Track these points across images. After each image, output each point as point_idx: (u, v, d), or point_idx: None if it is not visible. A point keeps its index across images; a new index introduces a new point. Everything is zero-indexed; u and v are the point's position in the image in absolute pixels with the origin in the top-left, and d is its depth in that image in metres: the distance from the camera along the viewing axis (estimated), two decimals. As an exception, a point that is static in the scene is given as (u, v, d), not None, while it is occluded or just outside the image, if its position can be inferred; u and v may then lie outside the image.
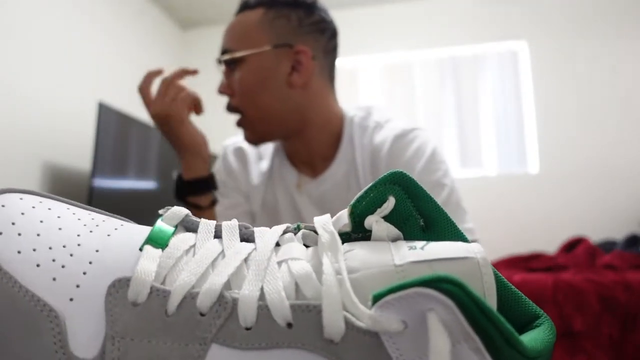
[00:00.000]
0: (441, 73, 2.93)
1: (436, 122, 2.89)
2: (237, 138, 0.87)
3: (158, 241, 0.21)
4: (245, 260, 0.21)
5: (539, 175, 2.70)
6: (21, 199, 0.22)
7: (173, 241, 0.22)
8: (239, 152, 0.84)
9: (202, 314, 0.19)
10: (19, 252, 0.20)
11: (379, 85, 2.98)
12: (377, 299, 0.17)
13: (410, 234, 0.23)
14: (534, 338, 0.19)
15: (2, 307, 0.19)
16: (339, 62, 0.79)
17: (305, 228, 0.24)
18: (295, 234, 0.23)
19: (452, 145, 2.86)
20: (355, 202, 0.23)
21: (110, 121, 1.89)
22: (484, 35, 2.85)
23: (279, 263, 0.21)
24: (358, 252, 0.21)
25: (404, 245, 0.21)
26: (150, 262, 0.20)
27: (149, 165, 2.16)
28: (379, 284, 0.19)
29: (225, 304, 0.19)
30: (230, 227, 0.23)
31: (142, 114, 2.47)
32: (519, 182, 2.72)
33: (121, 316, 0.19)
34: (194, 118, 0.75)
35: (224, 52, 0.71)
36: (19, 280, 0.19)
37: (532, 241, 2.55)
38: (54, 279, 0.19)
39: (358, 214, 0.23)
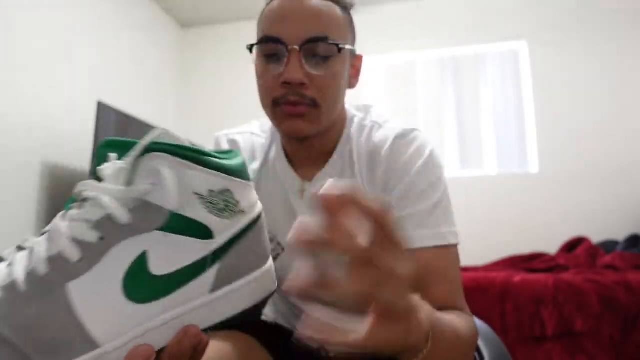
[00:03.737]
0: (442, 73, 2.93)
1: (437, 122, 2.89)
2: (230, 131, 0.85)
3: None
4: (48, 236, 0.32)
5: (539, 175, 2.70)
6: None
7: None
8: (233, 144, 0.82)
9: (46, 275, 0.29)
10: None
11: (381, 85, 2.98)
12: (129, 176, 0.31)
13: None
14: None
15: None
16: None
17: None
18: None
19: (452, 145, 2.86)
20: (92, 169, 0.36)
21: (109, 120, 1.88)
22: (485, 35, 2.84)
23: (64, 217, 0.33)
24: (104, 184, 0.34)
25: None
26: None
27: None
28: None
29: (55, 260, 0.30)
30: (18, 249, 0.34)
31: (141, 113, 2.47)
32: (519, 182, 2.71)
33: None
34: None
35: (320, 39, 0.65)
36: None
37: (532, 241, 2.55)
38: None
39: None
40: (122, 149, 0.34)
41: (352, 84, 0.76)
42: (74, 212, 0.32)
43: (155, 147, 0.31)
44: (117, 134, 1.94)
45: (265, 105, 0.71)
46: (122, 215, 0.30)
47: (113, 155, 0.34)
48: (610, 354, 1.66)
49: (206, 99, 3.13)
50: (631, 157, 2.58)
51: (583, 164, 2.63)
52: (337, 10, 0.69)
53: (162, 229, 0.31)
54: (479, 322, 0.82)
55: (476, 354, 0.75)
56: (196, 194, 0.31)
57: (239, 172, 0.34)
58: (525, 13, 2.80)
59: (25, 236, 0.35)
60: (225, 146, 0.82)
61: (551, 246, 2.50)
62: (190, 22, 3.19)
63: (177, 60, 3.15)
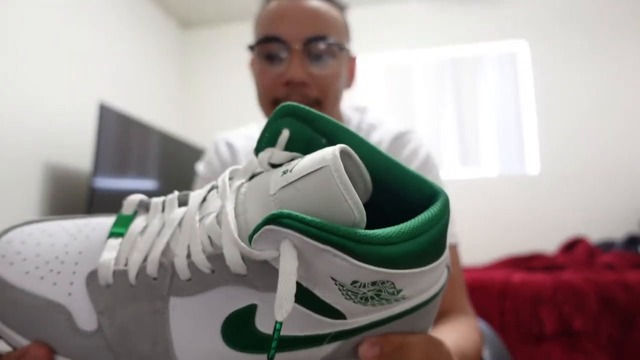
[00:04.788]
0: (441, 73, 2.93)
1: (436, 123, 2.89)
2: (228, 134, 0.86)
3: (120, 230, 0.28)
4: (180, 223, 0.27)
5: (539, 177, 2.70)
6: (21, 231, 0.29)
7: (131, 227, 0.28)
8: (231, 148, 0.83)
9: (154, 279, 0.26)
10: (27, 272, 0.27)
11: (379, 85, 2.98)
12: (250, 239, 0.23)
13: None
14: (416, 221, 0.24)
15: (29, 314, 0.26)
16: None
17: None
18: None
19: (452, 146, 2.86)
20: (257, 145, 0.28)
21: (111, 122, 1.89)
22: (484, 35, 2.85)
23: (201, 219, 0.26)
24: (248, 189, 0.26)
25: (279, 171, 0.25)
26: (110, 252, 0.27)
27: (149, 165, 2.17)
28: (261, 217, 0.24)
29: (166, 268, 0.26)
30: (171, 199, 0.29)
31: (142, 114, 2.47)
32: (519, 184, 2.72)
33: (100, 297, 0.26)
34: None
35: (322, 38, 0.65)
36: (34, 292, 0.26)
37: (531, 241, 2.56)
38: (55, 284, 0.27)
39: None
40: (305, 122, 0.27)
41: (347, 85, 0.77)
42: (210, 207, 0.26)
43: (283, 220, 0.21)
44: (118, 136, 1.94)
45: (264, 106, 0.71)
46: (237, 266, 0.24)
47: (284, 135, 0.27)
48: (609, 354, 1.67)
49: (208, 100, 3.14)
50: (631, 157, 2.59)
51: (583, 164, 2.64)
52: (335, 10, 0.70)
53: None
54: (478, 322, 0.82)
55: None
56: (334, 279, 0.23)
57: (411, 260, 0.23)
58: (525, 13, 2.81)
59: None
60: (223, 148, 0.82)
61: (550, 246, 2.50)
62: (190, 23, 3.20)
63: (178, 60, 3.16)
